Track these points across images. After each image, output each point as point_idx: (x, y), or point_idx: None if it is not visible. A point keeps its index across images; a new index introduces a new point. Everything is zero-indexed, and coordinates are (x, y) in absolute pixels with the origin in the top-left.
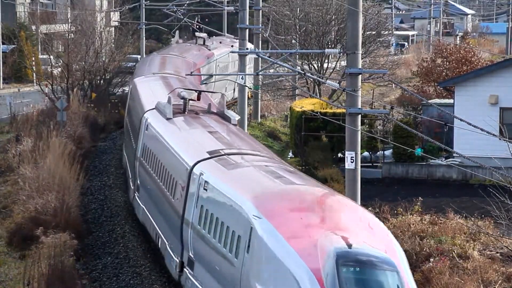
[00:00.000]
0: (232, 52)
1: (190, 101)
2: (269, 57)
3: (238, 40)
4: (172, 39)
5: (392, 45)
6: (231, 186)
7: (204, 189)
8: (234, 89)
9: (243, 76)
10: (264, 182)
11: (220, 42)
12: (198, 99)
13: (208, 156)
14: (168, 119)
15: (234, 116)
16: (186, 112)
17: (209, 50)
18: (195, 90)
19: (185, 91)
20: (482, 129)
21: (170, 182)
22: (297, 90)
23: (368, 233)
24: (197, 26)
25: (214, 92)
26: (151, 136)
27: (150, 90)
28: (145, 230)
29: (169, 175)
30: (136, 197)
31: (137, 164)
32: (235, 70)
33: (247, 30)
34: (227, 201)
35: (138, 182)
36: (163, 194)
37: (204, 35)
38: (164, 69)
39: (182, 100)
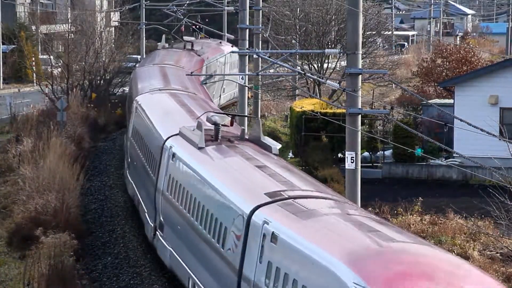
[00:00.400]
0: (233, 52)
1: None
2: (269, 57)
3: (224, 43)
4: (159, 43)
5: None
6: (313, 242)
7: (272, 242)
8: (220, 96)
9: (243, 76)
10: (356, 238)
11: (210, 46)
12: (231, 124)
13: (270, 199)
14: (200, 148)
15: (275, 144)
16: (218, 140)
17: (199, 55)
18: (227, 114)
19: (216, 115)
20: (482, 129)
21: (216, 227)
22: (297, 90)
23: None
24: (197, 27)
25: (251, 117)
26: (180, 167)
27: (164, 111)
28: (174, 275)
29: (214, 219)
30: (159, 236)
31: (159, 199)
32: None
33: (247, 30)
34: (309, 260)
35: (161, 219)
36: (205, 241)
37: (192, 38)
38: (169, 84)
39: (212, 125)
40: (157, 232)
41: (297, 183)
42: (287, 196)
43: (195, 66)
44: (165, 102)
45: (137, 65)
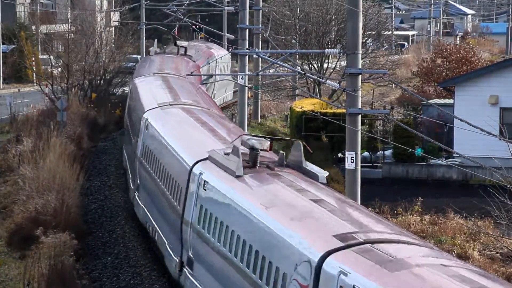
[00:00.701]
0: (231, 52)
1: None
2: (269, 57)
3: (213, 44)
4: (150, 48)
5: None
6: None
7: None
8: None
9: (243, 76)
10: None
11: (202, 50)
12: (270, 149)
13: (342, 244)
14: (238, 176)
15: (321, 172)
16: (256, 167)
17: (194, 61)
18: (265, 137)
19: (253, 138)
20: (482, 129)
21: (269, 273)
22: (297, 90)
23: None
24: (197, 27)
25: (292, 140)
26: (215, 198)
27: (182, 130)
28: None
29: (267, 263)
30: (188, 274)
31: (187, 232)
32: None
33: (247, 30)
34: None
35: (190, 254)
36: (255, 287)
37: (185, 43)
38: (179, 98)
39: (247, 149)
40: (185, 269)
41: (366, 222)
42: (362, 240)
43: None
44: (181, 120)
45: (133, 74)
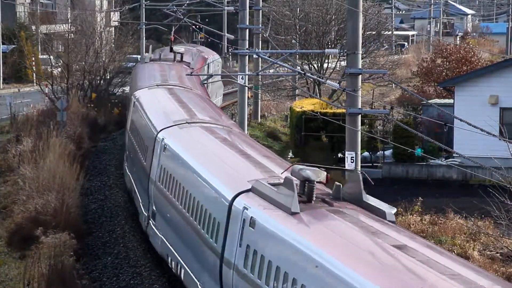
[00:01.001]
0: (231, 52)
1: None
2: (269, 57)
3: (205, 48)
4: (145, 55)
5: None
6: None
7: None
8: None
9: (243, 76)
10: None
11: (196, 55)
12: (327, 181)
13: None
14: (293, 214)
15: (388, 208)
16: (312, 202)
17: (192, 69)
18: (319, 167)
19: (307, 168)
20: (482, 129)
21: None
22: (297, 90)
23: None
24: (197, 27)
25: (349, 170)
26: (267, 239)
27: (210, 154)
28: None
29: None
30: None
31: (230, 275)
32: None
33: (247, 30)
34: None
35: None
36: None
37: (181, 49)
38: (194, 114)
39: (297, 181)
40: None
41: (472, 277)
42: None
43: (196, 82)
44: (206, 141)
45: (131, 83)
